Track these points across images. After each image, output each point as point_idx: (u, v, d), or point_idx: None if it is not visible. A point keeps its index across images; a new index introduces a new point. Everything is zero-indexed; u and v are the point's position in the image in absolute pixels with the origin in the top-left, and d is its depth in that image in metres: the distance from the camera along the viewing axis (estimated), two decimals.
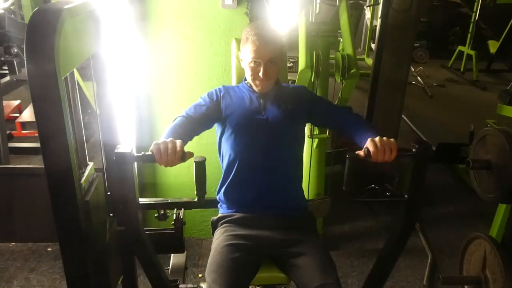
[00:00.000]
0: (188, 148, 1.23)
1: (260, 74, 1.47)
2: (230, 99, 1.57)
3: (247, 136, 1.51)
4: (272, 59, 1.47)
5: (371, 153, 1.21)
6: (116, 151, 1.16)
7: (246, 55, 1.49)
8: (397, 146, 1.23)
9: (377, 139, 1.24)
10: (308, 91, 1.71)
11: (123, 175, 1.18)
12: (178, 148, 1.17)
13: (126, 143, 1.21)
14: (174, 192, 2.49)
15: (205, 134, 1.52)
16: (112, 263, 1.51)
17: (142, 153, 1.20)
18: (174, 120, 1.43)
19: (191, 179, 1.28)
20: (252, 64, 1.48)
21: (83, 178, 1.29)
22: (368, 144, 1.23)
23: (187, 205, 1.55)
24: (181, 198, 1.60)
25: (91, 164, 1.40)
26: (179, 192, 2.48)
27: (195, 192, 1.27)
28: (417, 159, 1.23)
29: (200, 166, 1.21)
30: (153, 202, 1.58)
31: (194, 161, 1.20)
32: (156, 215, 1.46)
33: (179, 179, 2.46)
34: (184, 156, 1.18)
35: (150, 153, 1.18)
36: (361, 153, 1.24)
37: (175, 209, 1.65)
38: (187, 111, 1.49)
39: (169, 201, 1.59)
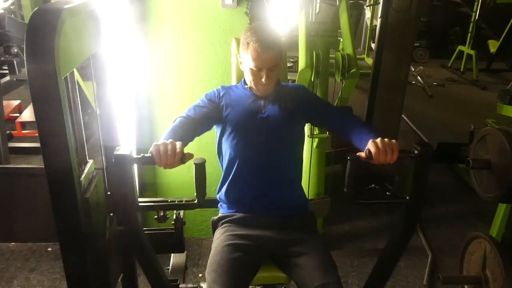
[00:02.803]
0: (187, 148, 1.23)
1: (263, 80, 1.47)
2: (230, 99, 1.57)
3: (247, 136, 1.51)
4: (274, 65, 1.46)
5: (373, 155, 1.20)
6: (115, 153, 1.15)
7: (247, 61, 1.47)
8: (398, 147, 1.22)
9: (378, 140, 1.23)
10: (308, 91, 1.71)
11: (123, 176, 1.18)
12: (177, 150, 1.16)
13: (126, 144, 1.21)
14: (174, 192, 2.49)
15: (205, 134, 1.52)
16: (112, 263, 1.52)
17: (142, 155, 1.19)
18: (173, 121, 1.43)
19: (191, 179, 1.28)
20: (253, 70, 1.47)
21: (83, 176, 1.29)
22: (370, 145, 1.22)
23: (187, 206, 1.55)
24: (181, 198, 1.60)
25: (91, 161, 1.40)
26: (179, 192, 2.47)
27: (195, 193, 1.27)
28: (418, 160, 1.22)
29: (200, 168, 1.21)
30: (152, 203, 1.57)
31: (194, 163, 1.20)
32: (155, 216, 1.45)
33: (179, 179, 2.46)
34: (184, 158, 1.17)
35: (150, 155, 1.17)
36: (362, 154, 1.23)
37: (175, 210, 1.65)
38: (187, 112, 1.48)
39: (169, 201, 1.59)
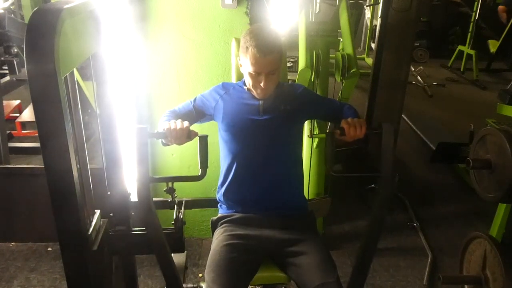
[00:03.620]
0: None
1: (262, 84, 1.47)
2: (230, 100, 1.57)
3: (246, 137, 1.51)
4: (273, 70, 1.46)
5: (345, 130, 1.37)
6: (136, 126, 1.28)
7: (246, 65, 1.47)
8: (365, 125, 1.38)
9: (349, 119, 1.40)
10: (308, 91, 1.71)
11: (140, 148, 1.29)
12: (185, 125, 1.34)
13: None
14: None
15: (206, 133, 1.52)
16: (112, 263, 1.52)
17: (156, 130, 1.36)
18: (164, 115, 1.54)
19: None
20: (252, 75, 1.47)
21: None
22: (342, 123, 1.39)
23: (192, 179, 1.60)
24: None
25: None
26: (179, 192, 2.47)
27: (199, 166, 1.39)
28: (383, 136, 1.35)
29: (204, 141, 1.38)
30: (161, 177, 1.67)
31: (199, 136, 1.37)
32: (164, 189, 1.51)
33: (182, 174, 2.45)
34: (190, 134, 1.35)
35: (163, 130, 1.34)
36: (337, 131, 1.39)
37: (175, 209, 1.65)
38: (177, 107, 1.62)
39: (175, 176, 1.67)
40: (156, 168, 2.47)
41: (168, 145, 1.41)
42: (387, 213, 1.45)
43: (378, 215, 1.43)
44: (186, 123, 1.34)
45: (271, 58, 1.43)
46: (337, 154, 2.94)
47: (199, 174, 1.39)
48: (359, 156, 3.12)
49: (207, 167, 1.41)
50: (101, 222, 1.42)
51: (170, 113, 1.56)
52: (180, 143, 1.35)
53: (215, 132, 1.60)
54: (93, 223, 1.32)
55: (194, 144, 1.41)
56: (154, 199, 1.68)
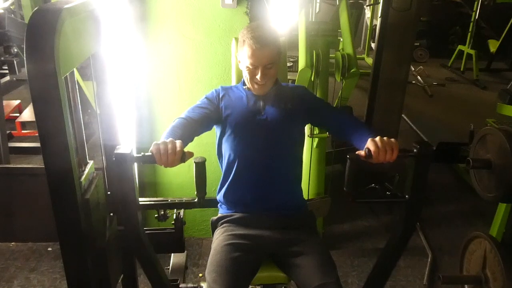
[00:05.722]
0: (188, 148, 1.23)
1: (258, 77, 1.46)
2: (230, 100, 1.56)
3: (246, 137, 1.51)
4: (269, 63, 1.46)
5: (372, 153, 1.20)
6: (115, 151, 1.15)
7: (244, 59, 1.48)
8: (398, 146, 1.22)
9: (377, 139, 1.23)
10: (308, 92, 1.70)
11: (123, 175, 1.18)
12: (178, 149, 1.16)
13: (126, 144, 1.21)
14: (174, 191, 2.49)
15: (205, 134, 1.52)
16: (112, 262, 1.52)
17: (142, 153, 1.19)
18: (173, 122, 1.42)
19: (191, 179, 1.27)
20: (249, 68, 1.47)
21: (83, 177, 1.29)
22: (369, 144, 1.22)
23: (187, 206, 1.55)
24: (181, 198, 1.59)
25: (91, 162, 1.40)
26: (179, 192, 2.48)
27: (195, 192, 1.27)
28: (418, 159, 1.22)
29: (200, 167, 1.21)
30: (153, 202, 1.57)
31: (194, 162, 1.20)
32: (156, 215, 1.46)
33: (179, 178, 2.46)
34: (184, 157, 1.17)
35: (150, 154, 1.17)
36: (362, 153, 1.23)
37: (175, 209, 1.65)
38: (186, 113, 1.48)
39: (169, 201, 1.59)
40: (144, 184, 2.44)
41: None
42: (387, 213, 1.44)
43: (399, 240, 1.35)
44: (179, 145, 1.17)
45: (267, 50, 1.43)
46: (337, 154, 2.95)
47: (196, 200, 1.27)
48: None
49: (205, 194, 1.28)
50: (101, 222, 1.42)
51: (177, 125, 1.39)
52: (173, 166, 1.19)
53: (213, 132, 1.60)
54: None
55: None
56: (154, 198, 1.68)
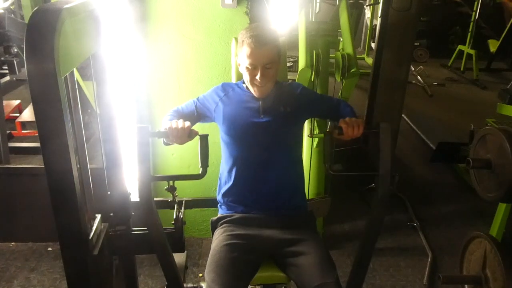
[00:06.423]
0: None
1: (257, 77, 1.46)
2: (229, 101, 1.57)
3: (246, 138, 1.51)
4: (269, 63, 1.45)
5: (343, 130, 1.38)
6: (138, 125, 1.30)
7: (243, 59, 1.48)
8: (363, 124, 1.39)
9: (347, 119, 1.40)
10: (307, 90, 1.71)
11: (141, 147, 1.30)
12: (186, 125, 1.35)
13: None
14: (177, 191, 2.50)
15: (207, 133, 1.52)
16: (112, 263, 1.52)
17: (158, 129, 1.38)
18: (169, 112, 1.55)
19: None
20: (248, 68, 1.47)
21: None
22: (341, 123, 1.40)
23: (192, 177, 1.61)
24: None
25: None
26: (179, 192, 2.47)
27: (199, 165, 1.39)
28: (379, 134, 1.36)
29: (204, 140, 1.37)
30: (162, 176, 1.73)
31: (199, 136, 1.37)
32: (165, 187, 1.51)
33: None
34: (191, 134, 1.36)
35: (164, 130, 1.36)
36: (335, 130, 1.41)
37: (175, 208, 1.65)
38: (180, 106, 1.62)
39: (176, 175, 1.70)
40: (156, 168, 2.47)
41: (170, 144, 1.42)
42: (387, 212, 1.44)
43: (376, 214, 1.44)
44: (187, 123, 1.36)
45: (266, 49, 1.43)
46: (337, 154, 2.95)
47: (200, 173, 1.39)
48: (359, 155, 3.12)
49: (207, 166, 1.41)
50: (102, 226, 1.42)
51: (174, 112, 1.57)
52: (181, 142, 1.36)
53: (217, 132, 1.60)
54: (94, 226, 1.32)
55: (194, 144, 1.41)
56: (155, 198, 1.68)
